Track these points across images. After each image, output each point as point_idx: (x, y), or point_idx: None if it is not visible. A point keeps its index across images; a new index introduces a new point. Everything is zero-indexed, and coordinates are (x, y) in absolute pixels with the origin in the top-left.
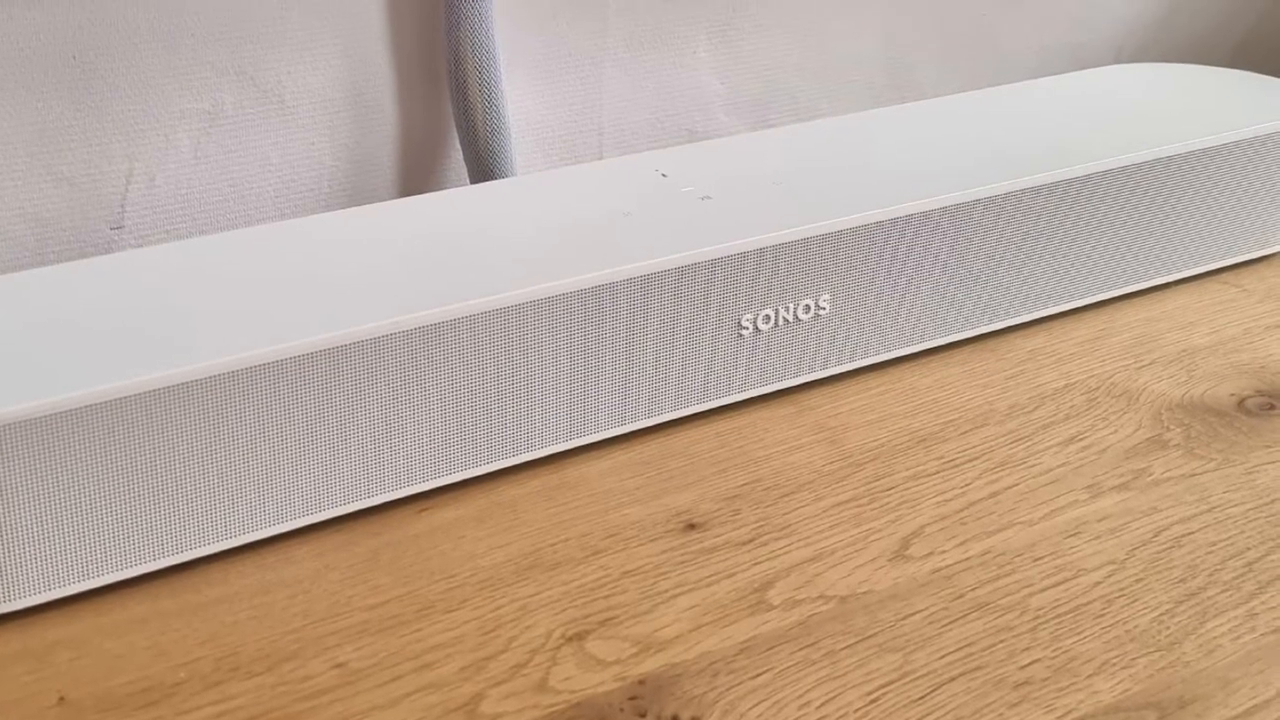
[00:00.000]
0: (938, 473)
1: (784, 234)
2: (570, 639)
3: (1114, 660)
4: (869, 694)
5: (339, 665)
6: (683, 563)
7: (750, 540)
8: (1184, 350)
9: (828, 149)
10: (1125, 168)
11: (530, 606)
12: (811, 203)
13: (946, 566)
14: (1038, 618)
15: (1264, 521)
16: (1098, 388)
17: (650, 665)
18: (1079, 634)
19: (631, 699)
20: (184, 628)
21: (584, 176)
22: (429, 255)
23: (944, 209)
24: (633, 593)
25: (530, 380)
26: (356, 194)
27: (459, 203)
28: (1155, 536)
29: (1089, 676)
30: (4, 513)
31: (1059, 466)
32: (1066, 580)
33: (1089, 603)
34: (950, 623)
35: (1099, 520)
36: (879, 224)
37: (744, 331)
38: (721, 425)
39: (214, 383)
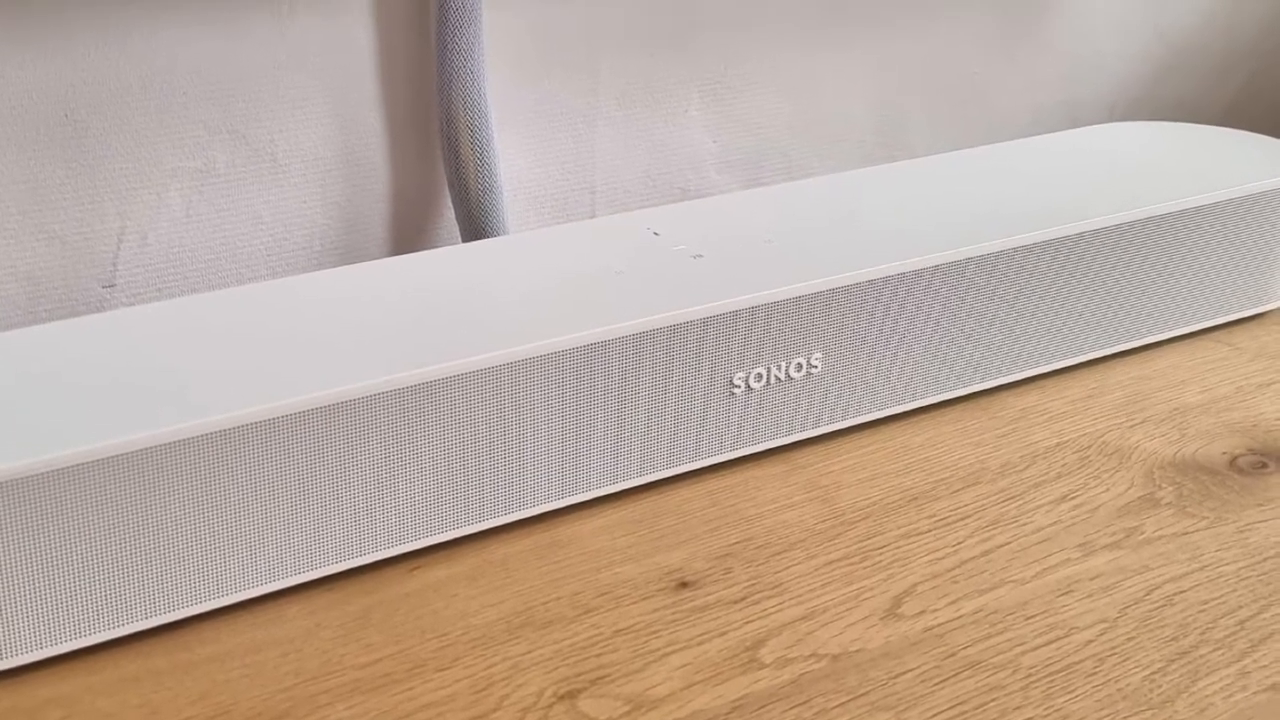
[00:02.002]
0: (930, 531)
1: (776, 292)
2: (562, 697)
3: (1106, 719)
4: None
5: None
6: (674, 621)
7: (742, 599)
8: (1176, 409)
9: (820, 207)
10: (1117, 226)
11: (522, 665)
12: (803, 261)
13: (938, 625)
14: (1030, 676)
15: (1256, 580)
16: (1089, 446)
17: None
18: (1071, 692)
19: None
20: (176, 686)
21: (576, 235)
22: (421, 314)
23: (936, 268)
24: (625, 651)
25: (522, 438)
26: (348, 252)
27: (451, 261)
28: (1147, 595)
29: None
30: None
31: (1051, 525)
32: (1058, 639)
33: (1081, 661)
34: (942, 681)
35: (1091, 579)
36: (871, 282)
37: (736, 390)
38: (713, 484)
39: (206, 441)
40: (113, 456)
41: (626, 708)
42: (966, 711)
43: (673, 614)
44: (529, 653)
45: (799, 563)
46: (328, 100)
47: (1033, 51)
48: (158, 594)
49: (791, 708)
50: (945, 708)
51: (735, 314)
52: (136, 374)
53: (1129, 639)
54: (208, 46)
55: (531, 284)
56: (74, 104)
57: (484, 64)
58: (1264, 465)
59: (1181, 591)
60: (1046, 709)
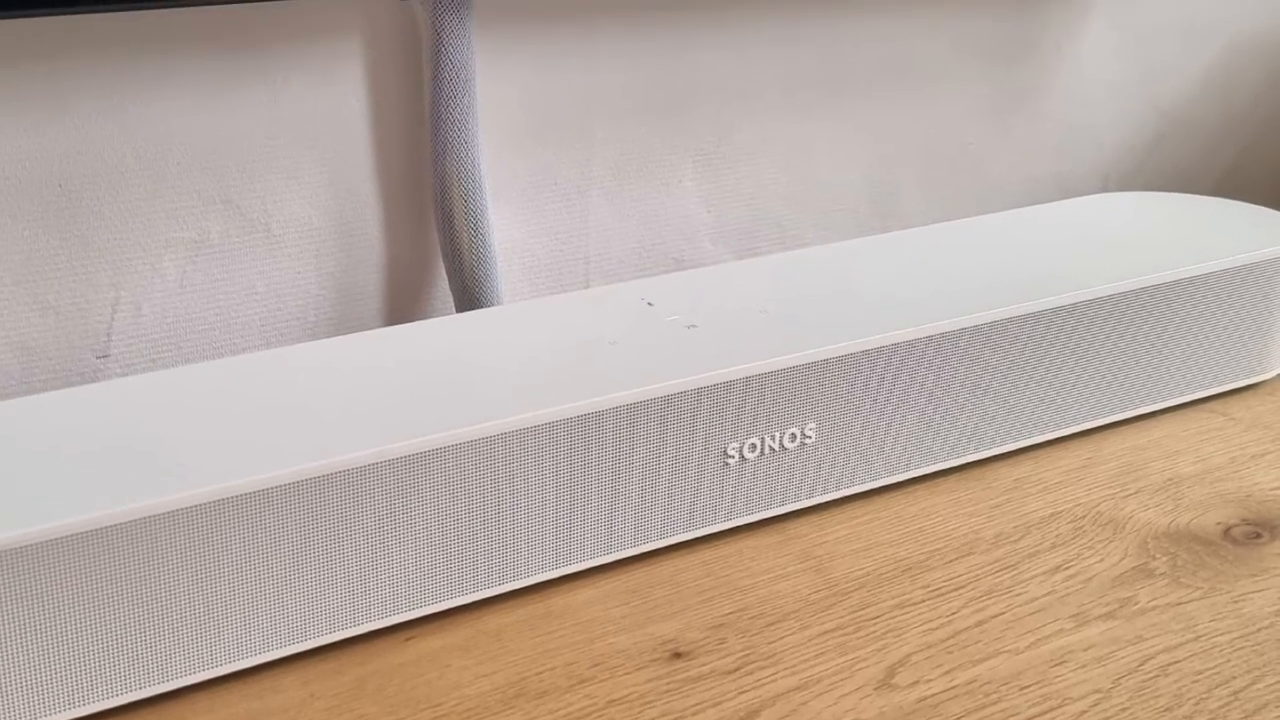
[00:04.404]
0: (924, 601)
1: (770, 363)
2: None
3: None
4: None
5: None
6: (668, 691)
7: (736, 669)
8: (1170, 479)
9: (814, 278)
10: (1111, 296)
11: None
12: (797, 332)
13: (932, 695)
14: None
15: (1250, 650)
16: (1084, 516)
17: None
18: None
19: None
20: None
21: (570, 305)
22: (415, 384)
23: (930, 338)
24: None
25: (516, 509)
26: (343, 323)
27: (445, 331)
28: (1141, 665)
29: None
30: None
31: (1045, 595)
32: (1052, 709)
33: None
34: None
35: (1085, 649)
36: (865, 353)
37: (730, 460)
38: (707, 554)
39: (200, 511)
40: (106, 527)
41: None
42: None
43: (667, 684)
44: None
45: (793, 633)
46: (322, 170)
47: (1027, 122)
48: (151, 664)
49: None
50: None
51: (729, 384)
52: (130, 444)
53: (1123, 710)
54: (201, 117)
55: (525, 354)
56: (68, 174)
57: (478, 134)
58: (1258, 535)
59: (1176, 662)
60: None
